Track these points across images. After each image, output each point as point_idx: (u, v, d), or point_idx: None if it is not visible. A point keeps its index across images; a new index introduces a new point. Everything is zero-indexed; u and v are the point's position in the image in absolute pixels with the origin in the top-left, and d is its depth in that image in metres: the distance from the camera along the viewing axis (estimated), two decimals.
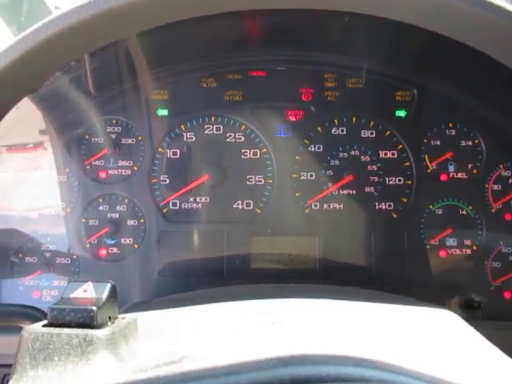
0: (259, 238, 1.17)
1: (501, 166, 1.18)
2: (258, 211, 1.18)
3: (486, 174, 1.18)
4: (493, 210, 1.17)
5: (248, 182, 1.19)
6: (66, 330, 0.48)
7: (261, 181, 1.19)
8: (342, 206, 1.18)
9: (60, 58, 0.72)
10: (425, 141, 1.19)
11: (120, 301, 0.56)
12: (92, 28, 0.66)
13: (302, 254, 1.16)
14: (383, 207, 1.18)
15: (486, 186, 1.18)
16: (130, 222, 1.18)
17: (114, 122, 1.20)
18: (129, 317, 0.55)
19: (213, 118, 1.21)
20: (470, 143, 1.19)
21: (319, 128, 1.20)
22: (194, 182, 1.18)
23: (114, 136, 1.20)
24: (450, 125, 1.20)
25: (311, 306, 0.72)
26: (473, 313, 1.09)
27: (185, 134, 1.20)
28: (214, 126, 1.21)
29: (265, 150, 1.20)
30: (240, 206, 1.18)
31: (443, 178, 1.18)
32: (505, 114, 1.16)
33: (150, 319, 0.65)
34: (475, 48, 0.76)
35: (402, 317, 0.72)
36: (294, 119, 1.21)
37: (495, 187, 1.18)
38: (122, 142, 1.20)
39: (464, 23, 0.72)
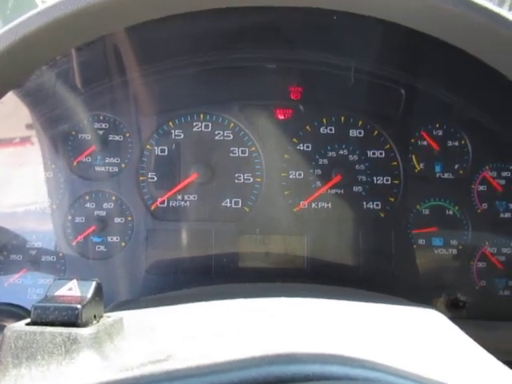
0: (247, 236, 1.16)
1: (487, 167, 1.19)
2: (247, 210, 1.18)
3: (473, 175, 1.19)
4: (478, 211, 1.18)
5: (236, 181, 1.18)
6: (49, 329, 0.48)
7: (249, 179, 1.18)
8: (330, 205, 1.18)
9: (45, 52, 0.70)
10: (412, 141, 1.20)
11: (107, 299, 0.55)
12: (78, 22, 0.65)
13: (290, 252, 1.15)
14: (371, 207, 1.18)
15: (473, 186, 1.19)
16: (117, 220, 1.16)
17: (101, 118, 1.19)
18: (114, 315, 0.54)
19: (201, 116, 1.20)
20: (457, 144, 1.20)
21: (308, 127, 1.20)
22: (182, 181, 1.17)
23: (101, 132, 1.19)
24: (437, 125, 1.20)
25: (297, 305, 0.72)
26: (458, 312, 1.10)
27: (173, 131, 1.19)
28: (203, 124, 1.20)
29: (254, 149, 1.20)
30: (228, 205, 1.18)
31: (430, 178, 1.19)
32: (491, 114, 1.17)
33: (136, 318, 0.64)
34: (463, 49, 0.77)
35: (387, 316, 0.72)
36: (282, 118, 1.21)
37: (481, 188, 1.19)
38: (110, 139, 1.19)
39: (451, 24, 0.73)
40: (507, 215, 1.18)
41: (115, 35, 1.05)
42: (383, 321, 0.69)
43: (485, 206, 1.18)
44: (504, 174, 1.20)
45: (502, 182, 1.19)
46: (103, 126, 1.19)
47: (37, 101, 1.13)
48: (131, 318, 0.60)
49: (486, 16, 0.69)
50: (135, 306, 0.73)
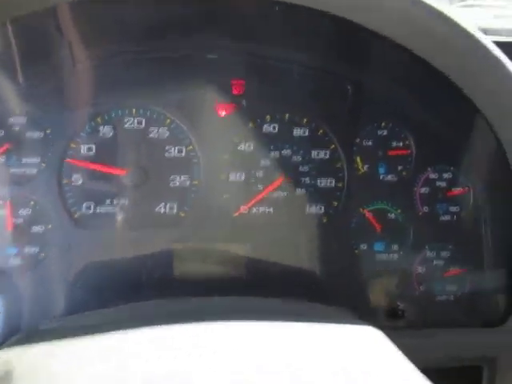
0: (183, 244, 1.10)
1: (429, 169, 1.18)
2: (183, 215, 1.11)
3: (415, 177, 1.18)
4: (420, 214, 1.17)
5: (172, 184, 1.10)
6: None
7: (186, 182, 1.11)
8: (271, 209, 1.13)
9: None
10: (357, 141, 1.17)
11: (23, 321, 0.47)
12: None
13: (230, 261, 1.10)
14: (314, 211, 1.14)
15: (415, 189, 1.18)
16: (36, 229, 1.05)
17: (17, 112, 1.06)
18: (5, 356, 0.46)
19: (134, 111, 1.10)
20: (401, 144, 1.18)
21: (250, 124, 1.14)
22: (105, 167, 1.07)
23: (17, 128, 1.06)
24: (383, 124, 1.18)
25: (231, 330, 0.68)
26: (397, 321, 1.10)
27: (101, 127, 1.09)
28: (136, 120, 1.10)
29: (191, 148, 1.12)
30: (162, 210, 1.10)
31: (374, 180, 1.17)
32: (436, 114, 1.16)
33: (33, 358, 0.56)
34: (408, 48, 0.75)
35: (321, 336, 0.71)
36: (223, 114, 1.14)
37: (423, 190, 1.18)
38: (27, 136, 1.06)
39: (395, 22, 0.71)
40: (447, 218, 1.18)
41: (34, 18, 0.92)
42: (316, 342, 0.68)
43: (426, 209, 1.18)
44: (445, 175, 1.19)
45: (443, 184, 1.19)
46: (19, 120, 1.06)
47: None
48: (28, 358, 0.52)
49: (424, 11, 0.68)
50: (40, 338, 0.64)
